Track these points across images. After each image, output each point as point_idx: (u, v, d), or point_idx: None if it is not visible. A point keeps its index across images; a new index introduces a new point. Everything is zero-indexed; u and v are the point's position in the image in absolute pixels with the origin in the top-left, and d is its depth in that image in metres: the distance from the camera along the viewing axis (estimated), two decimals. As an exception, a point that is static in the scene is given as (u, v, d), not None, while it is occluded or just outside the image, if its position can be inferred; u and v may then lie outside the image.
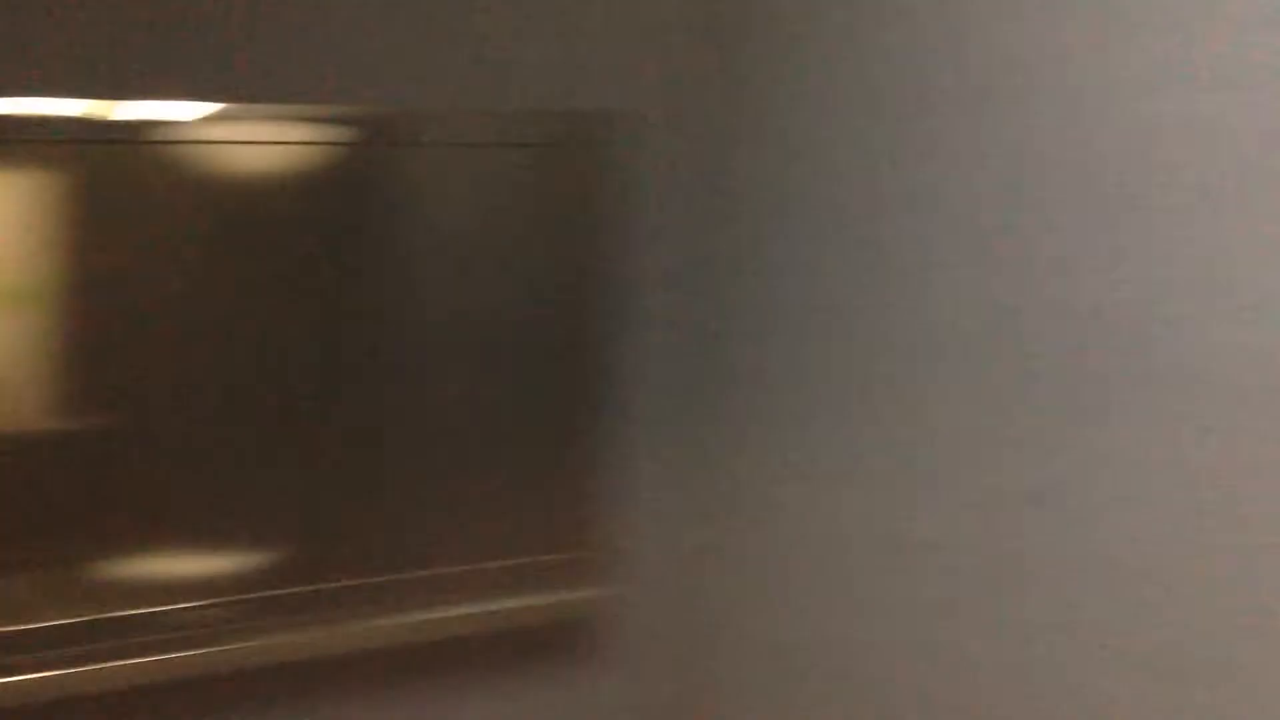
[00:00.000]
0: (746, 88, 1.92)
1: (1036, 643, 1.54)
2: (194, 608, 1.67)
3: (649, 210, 1.92)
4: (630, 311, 1.92)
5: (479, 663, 1.88)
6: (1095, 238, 1.46)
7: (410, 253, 1.77)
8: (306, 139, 1.68)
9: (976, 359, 1.60)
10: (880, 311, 1.73)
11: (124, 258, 1.62)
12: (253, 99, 1.66)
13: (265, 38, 1.67)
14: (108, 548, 1.64)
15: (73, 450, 1.61)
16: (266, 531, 1.71)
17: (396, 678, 1.84)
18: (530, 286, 1.83)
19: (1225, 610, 1.35)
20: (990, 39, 1.57)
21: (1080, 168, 1.47)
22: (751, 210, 1.92)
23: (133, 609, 1.64)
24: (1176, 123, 1.37)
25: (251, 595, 1.70)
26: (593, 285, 1.85)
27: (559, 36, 1.84)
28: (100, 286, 1.61)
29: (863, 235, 1.75)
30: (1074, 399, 1.48)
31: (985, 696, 1.60)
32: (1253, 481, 1.31)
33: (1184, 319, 1.37)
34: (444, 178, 1.76)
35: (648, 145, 1.91)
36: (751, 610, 1.95)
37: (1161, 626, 1.41)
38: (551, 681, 1.92)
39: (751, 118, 1.91)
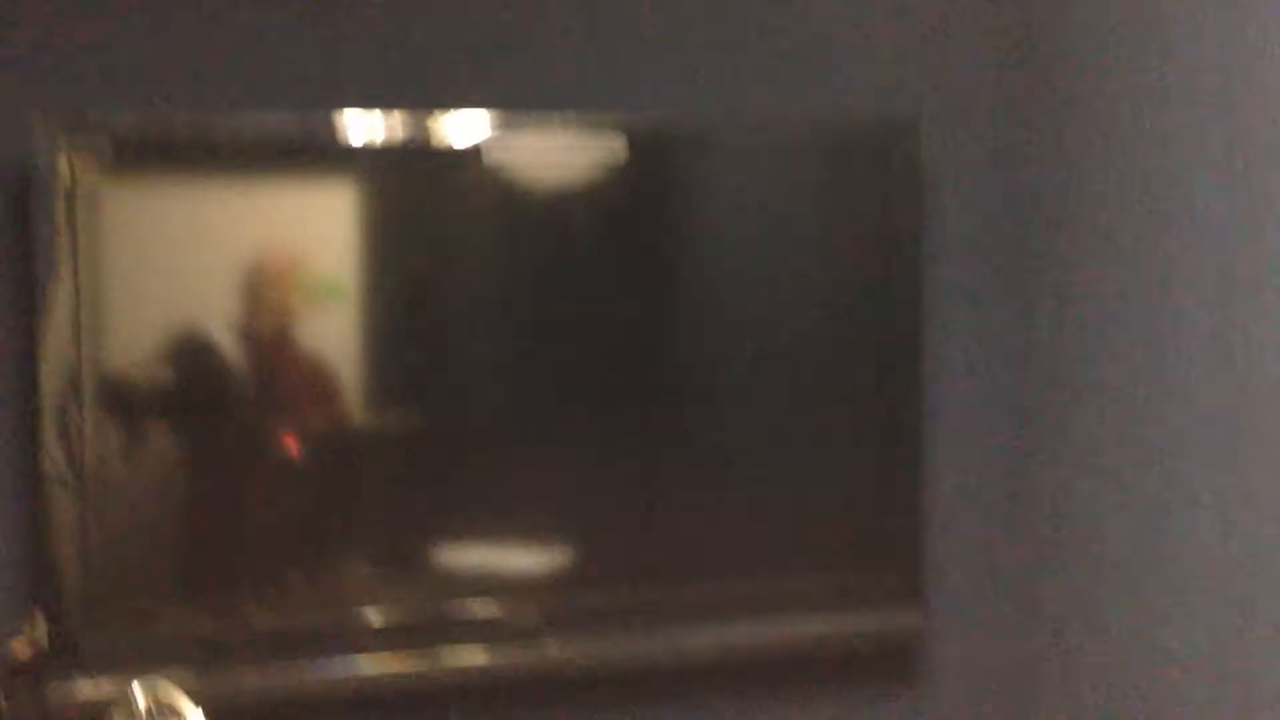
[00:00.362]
0: (1048, 94, 1.84)
1: None
2: (517, 609, 1.67)
3: (948, 219, 1.86)
4: (938, 321, 1.85)
5: (799, 681, 1.83)
6: None
7: (711, 261, 1.76)
8: (605, 147, 1.68)
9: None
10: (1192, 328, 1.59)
11: (440, 262, 1.68)
12: (554, 108, 1.69)
13: (567, 49, 1.73)
14: (432, 545, 1.67)
15: (397, 450, 1.66)
16: (591, 537, 1.71)
17: (716, 692, 1.80)
18: (839, 297, 1.79)
19: None
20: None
21: None
22: (1054, 219, 1.83)
23: (458, 604, 1.66)
24: None
25: (577, 601, 1.69)
26: (904, 296, 1.80)
27: (854, 42, 1.83)
28: (418, 288, 1.66)
29: (1182, 241, 1.60)
30: None
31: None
32: None
33: None
34: (744, 185, 1.76)
35: (945, 152, 1.85)
36: (1077, 635, 1.81)
37: None
38: (873, 704, 1.86)
39: (1053, 125, 1.83)
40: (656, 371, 1.76)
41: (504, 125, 1.67)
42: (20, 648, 1.53)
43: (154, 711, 0.89)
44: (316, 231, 1.64)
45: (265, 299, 1.61)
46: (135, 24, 1.61)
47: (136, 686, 0.90)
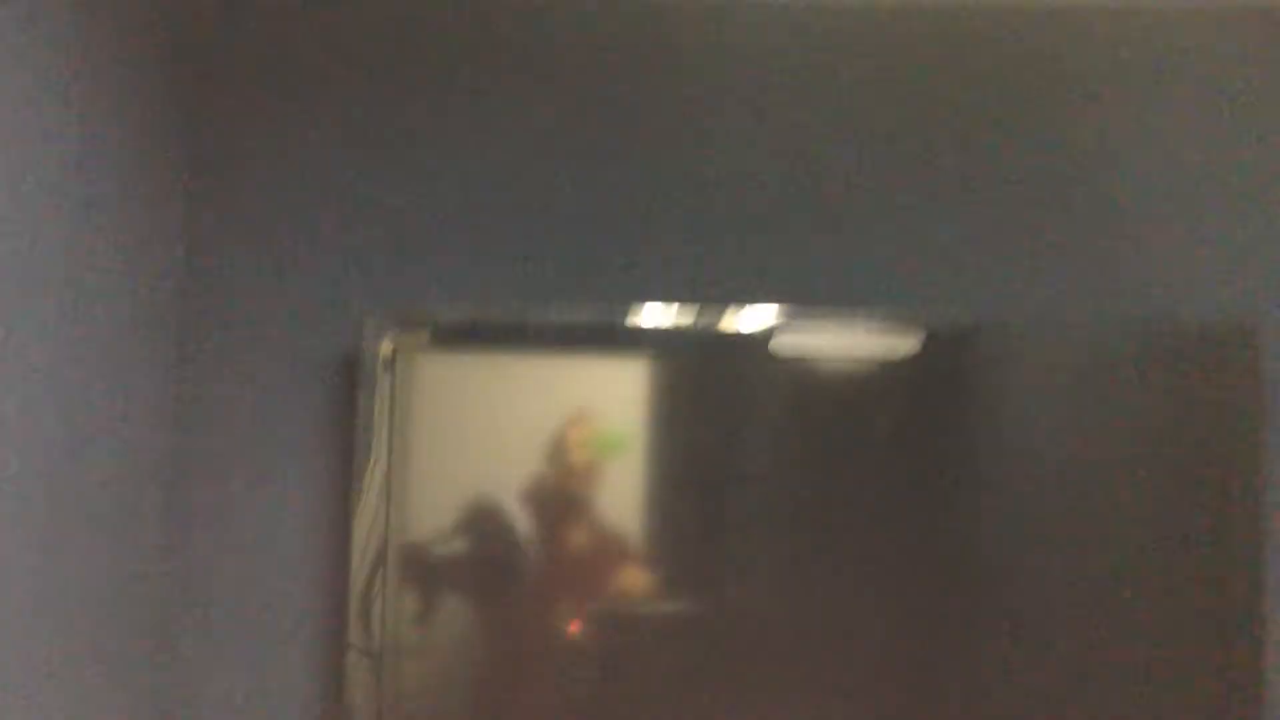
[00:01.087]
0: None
1: None
2: None
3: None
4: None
5: None
6: None
7: (1016, 462, 1.71)
8: (900, 341, 1.71)
9: None
10: None
11: (727, 450, 1.71)
12: (834, 304, 1.75)
13: (847, 246, 1.79)
14: None
15: (679, 634, 1.68)
16: None
17: None
18: (1162, 507, 1.70)
19: None
20: None
21: None
22: None
23: None
24: None
25: None
26: (1241, 509, 1.69)
27: (1180, 243, 1.79)
28: (705, 475, 1.71)
29: None
30: None
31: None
32: None
33: None
34: (1052, 387, 1.71)
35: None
36: None
37: None
38: None
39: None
40: (952, 568, 1.67)
41: (793, 316, 1.69)
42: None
43: None
44: (610, 407, 1.70)
45: (560, 462, 1.65)
46: (460, 224, 1.76)
47: None
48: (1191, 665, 1.65)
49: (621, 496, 1.68)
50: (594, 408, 1.69)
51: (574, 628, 1.68)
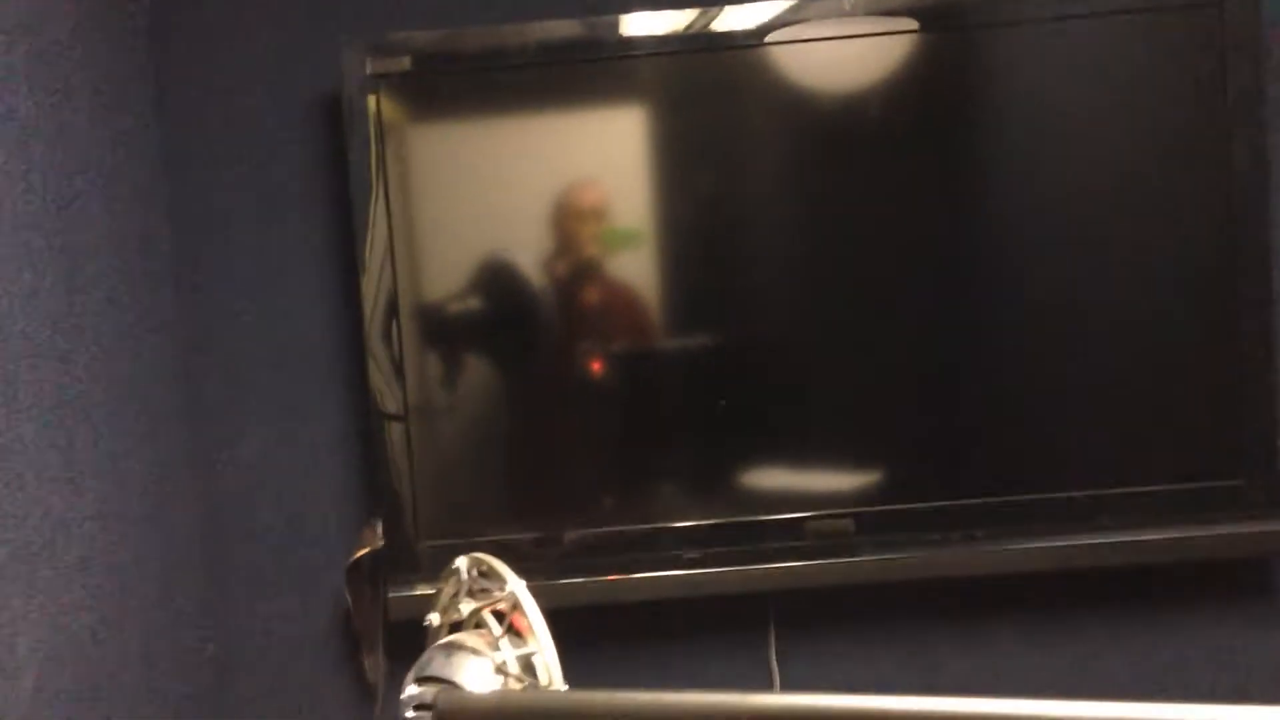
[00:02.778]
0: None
1: None
2: (829, 517, 1.66)
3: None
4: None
5: (1143, 593, 1.74)
6: None
7: (1020, 150, 1.64)
8: (896, 28, 1.62)
9: None
10: None
11: (732, 170, 1.66)
12: None
13: None
14: (737, 458, 1.68)
15: (700, 370, 1.67)
16: (899, 446, 1.68)
17: (1048, 603, 1.73)
18: (1166, 176, 1.63)
19: None
20: None
21: None
22: None
23: (765, 515, 1.66)
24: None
25: (886, 508, 1.65)
26: (1246, 168, 1.61)
27: None
28: (712, 201, 1.66)
29: None
30: None
31: None
32: None
33: None
34: (1052, 65, 1.62)
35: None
36: None
37: None
38: (1222, 617, 1.74)
39: None
40: (970, 270, 1.66)
41: (791, 14, 1.61)
42: (363, 552, 1.64)
43: (477, 577, 0.91)
44: (610, 150, 1.65)
45: (566, 236, 1.63)
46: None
47: (461, 559, 0.92)
48: (1202, 336, 1.64)
49: (630, 252, 1.65)
50: (595, 155, 1.64)
51: (596, 367, 1.70)
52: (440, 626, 0.94)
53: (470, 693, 0.81)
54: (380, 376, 1.65)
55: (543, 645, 0.86)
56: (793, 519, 1.66)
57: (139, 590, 1.53)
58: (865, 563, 1.64)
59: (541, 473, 1.72)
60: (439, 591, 0.96)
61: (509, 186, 1.64)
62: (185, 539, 1.69)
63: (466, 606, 0.90)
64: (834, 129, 1.65)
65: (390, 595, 1.63)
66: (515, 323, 1.68)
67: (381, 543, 1.65)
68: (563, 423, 1.71)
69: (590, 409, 1.70)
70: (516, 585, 0.88)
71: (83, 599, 1.39)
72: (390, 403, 1.64)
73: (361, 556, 1.65)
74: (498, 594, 0.90)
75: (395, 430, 1.65)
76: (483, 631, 0.90)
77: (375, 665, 1.68)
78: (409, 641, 1.68)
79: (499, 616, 0.90)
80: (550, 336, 1.68)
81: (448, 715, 0.71)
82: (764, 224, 1.68)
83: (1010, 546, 1.64)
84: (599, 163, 1.64)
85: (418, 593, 1.63)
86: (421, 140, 1.63)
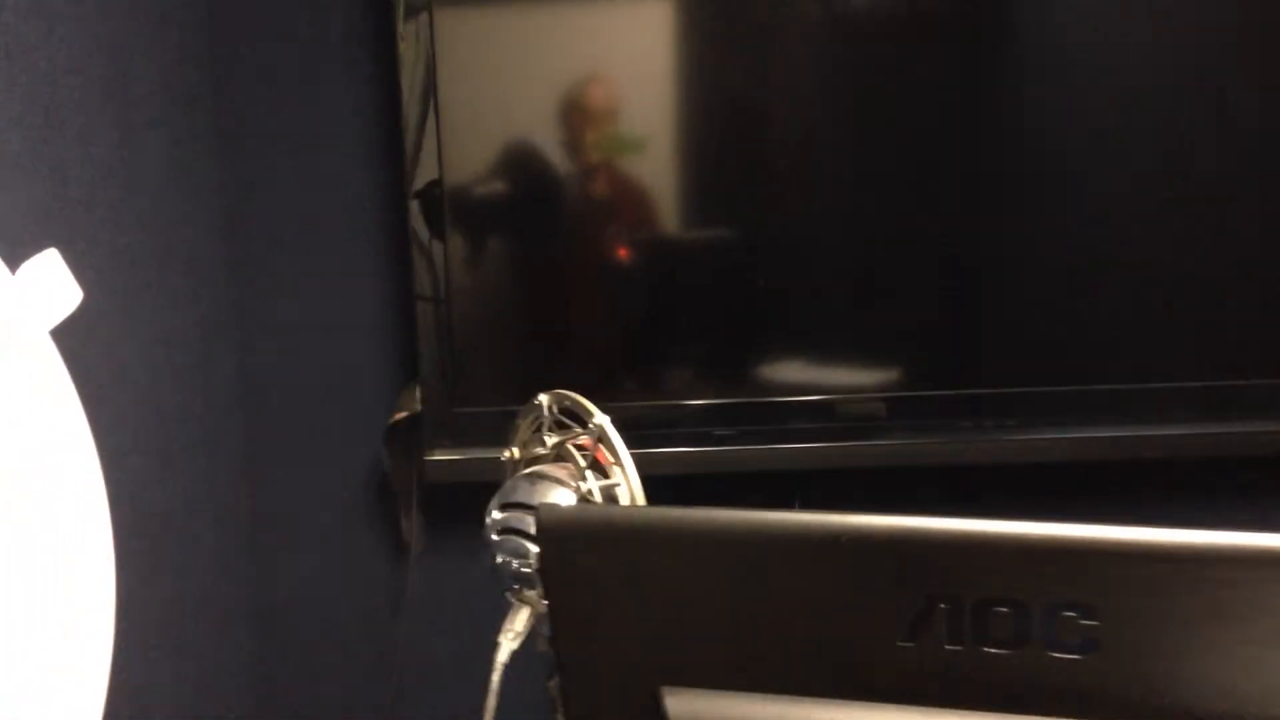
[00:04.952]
0: None
1: None
2: (861, 401, 1.68)
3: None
4: None
5: (1170, 488, 1.74)
6: None
7: (1068, 34, 1.63)
8: None
9: None
10: None
11: (755, 65, 1.65)
12: None
13: None
14: (757, 341, 1.70)
15: (722, 261, 1.68)
16: (919, 333, 1.70)
17: (1082, 492, 1.73)
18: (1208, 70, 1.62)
19: None
20: None
21: None
22: None
23: (778, 397, 1.68)
24: None
25: (917, 394, 1.67)
26: None
27: None
28: (735, 95, 1.66)
29: None
30: None
31: None
32: None
33: None
34: None
35: None
36: None
37: None
38: (1251, 507, 1.74)
39: None
40: (1000, 160, 1.67)
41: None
42: (401, 415, 1.66)
43: (558, 413, 0.92)
44: (630, 44, 1.64)
45: (575, 135, 1.63)
46: None
47: (543, 395, 0.94)
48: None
49: (655, 135, 1.65)
50: (615, 49, 1.62)
51: (623, 254, 1.71)
52: (519, 460, 0.96)
53: (575, 506, 0.84)
54: (420, 247, 1.65)
55: (629, 476, 0.88)
56: (823, 400, 1.68)
57: (182, 438, 1.55)
58: (896, 445, 1.68)
59: (571, 348, 1.74)
60: (517, 426, 0.98)
61: (531, 76, 1.63)
62: (225, 397, 1.71)
63: (551, 439, 0.92)
64: (861, 23, 1.64)
65: (426, 459, 1.66)
66: (540, 208, 1.69)
67: (420, 407, 1.67)
68: (592, 305, 1.73)
69: (614, 292, 1.71)
70: (603, 419, 0.90)
71: (127, 443, 1.40)
72: (429, 273, 1.65)
73: (400, 419, 1.67)
74: (578, 429, 0.92)
75: (432, 301, 1.66)
76: (565, 464, 0.92)
77: (410, 526, 1.72)
78: (444, 504, 1.73)
79: (580, 451, 0.92)
80: (572, 224, 1.69)
81: (551, 527, 0.73)
82: (787, 118, 1.68)
83: (1040, 436, 1.68)
84: (614, 59, 1.64)
85: (453, 457, 1.66)
86: (455, 21, 1.61)
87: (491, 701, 0.88)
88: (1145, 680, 0.68)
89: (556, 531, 0.75)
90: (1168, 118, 1.64)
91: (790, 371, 1.70)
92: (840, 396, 1.68)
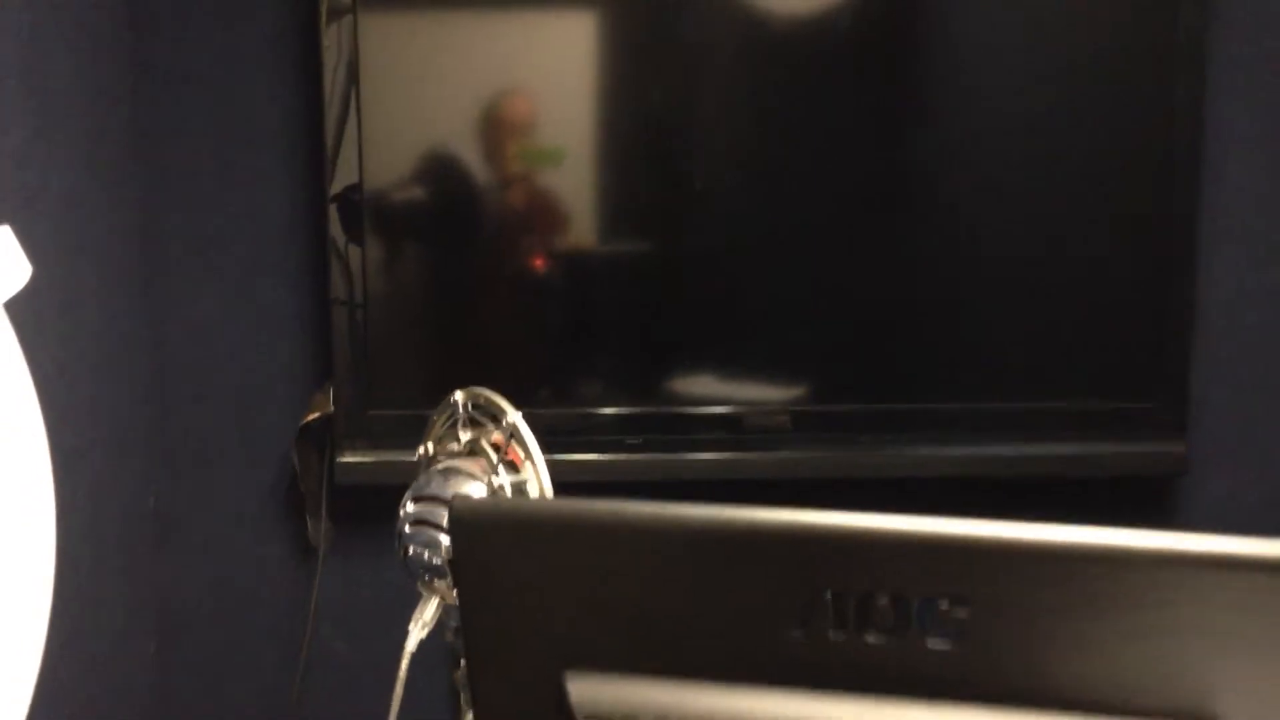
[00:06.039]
0: None
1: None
2: (767, 413, 1.72)
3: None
4: (1218, 133, 1.71)
5: (1049, 505, 1.75)
6: None
7: (965, 74, 1.71)
8: None
9: None
10: None
11: (672, 80, 1.68)
12: None
13: None
14: (669, 354, 1.74)
15: (636, 274, 1.72)
16: (825, 349, 1.74)
17: (971, 509, 1.74)
18: (1104, 100, 1.70)
19: None
20: None
21: None
22: None
23: (688, 408, 1.72)
24: None
25: (822, 409, 1.72)
26: (1184, 101, 1.68)
27: None
28: (653, 110, 1.69)
29: None
30: None
31: None
32: None
33: None
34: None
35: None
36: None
37: None
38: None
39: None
40: (900, 185, 1.74)
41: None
42: (313, 416, 1.67)
43: (471, 410, 0.96)
44: (549, 57, 1.67)
45: (493, 146, 1.66)
46: None
47: (458, 392, 0.97)
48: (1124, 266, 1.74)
49: (573, 148, 1.68)
50: (533, 62, 1.65)
51: (538, 264, 1.74)
52: (434, 456, 0.99)
53: (487, 499, 0.87)
54: (337, 250, 1.67)
55: (540, 471, 0.92)
56: (731, 412, 1.73)
57: (89, 435, 1.54)
58: (800, 458, 1.73)
59: (485, 355, 1.77)
60: (432, 423, 1.01)
61: (453, 84, 1.66)
62: (135, 395, 1.70)
63: (465, 435, 0.95)
64: (781, 40, 1.69)
65: (338, 460, 1.67)
66: (459, 216, 1.71)
67: (332, 408, 1.68)
68: (509, 312, 1.76)
69: (529, 301, 1.75)
70: (515, 416, 0.94)
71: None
72: (345, 276, 1.67)
73: (311, 420, 1.68)
74: (492, 426, 0.96)
75: (348, 304, 1.68)
76: (477, 459, 0.95)
77: (318, 527, 1.72)
78: (355, 506, 1.74)
79: (493, 448, 0.95)
80: (489, 232, 1.72)
81: (463, 519, 0.76)
82: (704, 135, 1.73)
83: (935, 452, 1.74)
84: (536, 70, 1.67)
85: (365, 459, 1.67)
86: (379, 26, 1.63)
87: (399, 689, 0.90)
88: (1013, 668, 0.74)
89: (469, 523, 0.78)
90: (1051, 155, 1.73)
91: (701, 384, 1.75)
92: (747, 409, 1.73)
